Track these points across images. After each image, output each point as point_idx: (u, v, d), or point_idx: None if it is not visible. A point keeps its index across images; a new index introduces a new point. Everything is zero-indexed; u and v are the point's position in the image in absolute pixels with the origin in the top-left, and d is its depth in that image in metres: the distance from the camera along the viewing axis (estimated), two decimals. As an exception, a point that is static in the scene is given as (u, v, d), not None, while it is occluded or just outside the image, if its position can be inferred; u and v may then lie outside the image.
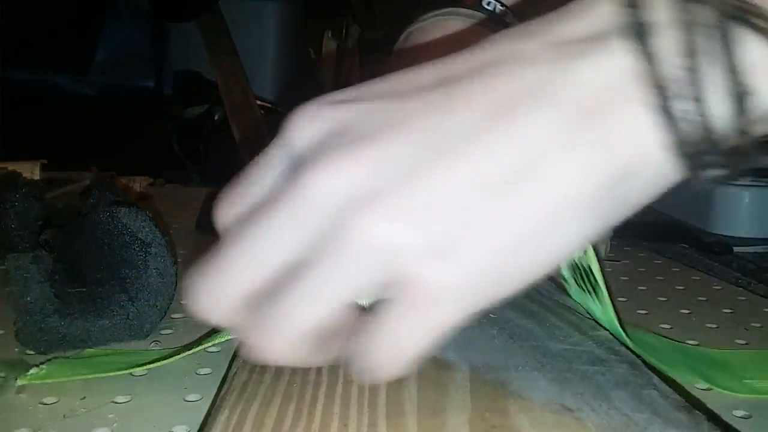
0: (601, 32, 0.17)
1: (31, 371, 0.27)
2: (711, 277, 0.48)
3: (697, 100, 0.16)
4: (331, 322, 0.19)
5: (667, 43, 0.16)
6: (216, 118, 1.42)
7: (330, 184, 0.18)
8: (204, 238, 0.56)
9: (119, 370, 0.27)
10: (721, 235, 0.59)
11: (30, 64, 1.22)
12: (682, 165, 0.17)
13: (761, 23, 0.16)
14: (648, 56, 0.16)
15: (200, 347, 0.28)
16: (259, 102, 1.40)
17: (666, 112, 0.16)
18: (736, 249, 0.55)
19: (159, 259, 0.33)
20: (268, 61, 1.56)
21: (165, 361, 0.28)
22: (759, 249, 0.56)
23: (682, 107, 0.16)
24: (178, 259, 0.45)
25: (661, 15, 0.16)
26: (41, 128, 1.20)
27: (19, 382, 0.26)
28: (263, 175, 0.21)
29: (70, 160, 0.77)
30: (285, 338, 0.18)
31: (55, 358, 0.29)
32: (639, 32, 0.16)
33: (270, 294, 0.18)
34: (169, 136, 1.45)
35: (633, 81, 0.16)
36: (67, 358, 0.29)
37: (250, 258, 0.19)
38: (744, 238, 0.58)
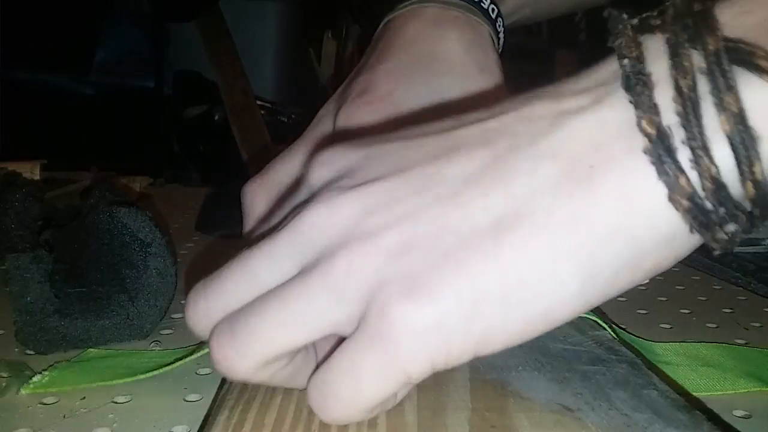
0: (600, 87, 0.17)
1: (35, 379, 0.27)
2: (711, 276, 0.48)
3: (697, 149, 0.15)
4: (300, 349, 0.19)
5: (666, 92, 0.15)
6: (216, 118, 1.42)
7: (324, 220, 0.18)
8: (204, 238, 0.56)
9: (122, 377, 0.27)
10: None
11: (30, 64, 1.22)
12: (693, 223, 0.16)
13: (762, 63, 0.15)
14: (646, 107, 0.15)
15: (204, 351, 0.28)
16: (259, 102, 1.40)
17: (665, 163, 0.15)
18: (736, 249, 0.55)
19: (159, 258, 0.33)
20: (268, 61, 1.56)
21: (168, 367, 0.27)
22: (759, 249, 0.56)
23: (682, 158, 0.15)
24: (178, 259, 0.45)
25: (659, 65, 0.16)
26: (41, 128, 1.20)
27: (23, 391, 0.26)
28: (283, 208, 0.23)
29: (70, 160, 0.77)
30: (250, 356, 0.19)
31: (57, 362, 0.29)
32: (636, 84, 0.16)
33: (247, 310, 0.19)
34: (169, 136, 1.45)
35: (632, 134, 0.16)
36: (69, 361, 0.29)
37: (243, 276, 0.20)
38: (744, 237, 0.58)
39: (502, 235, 0.17)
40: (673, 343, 0.33)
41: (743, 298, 0.43)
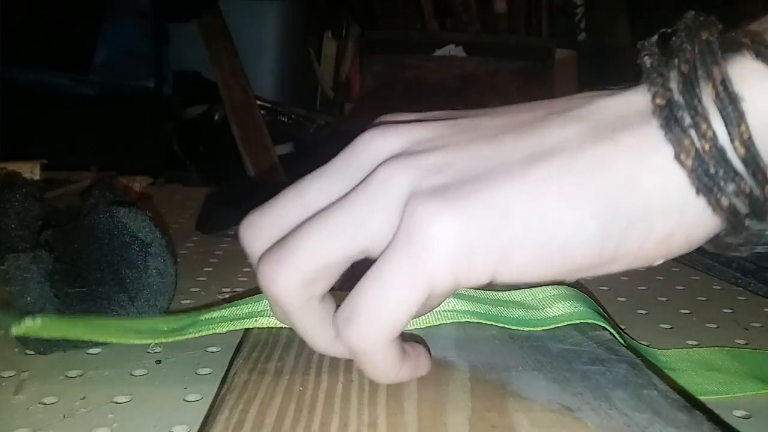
0: (632, 84, 0.20)
1: (26, 322, 0.27)
2: (711, 277, 0.48)
3: (696, 116, 0.17)
4: (340, 266, 0.21)
5: (674, 78, 0.18)
6: (216, 118, 1.42)
7: (376, 144, 0.21)
8: (204, 238, 0.56)
9: (113, 335, 0.27)
10: (721, 235, 0.59)
11: (30, 64, 1.22)
12: (697, 183, 0.17)
13: (743, 41, 0.17)
14: (659, 88, 0.18)
15: (196, 333, 0.28)
16: (259, 102, 1.40)
17: (672, 128, 0.18)
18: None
19: (159, 258, 0.33)
20: (268, 61, 1.56)
21: (161, 340, 0.28)
22: (759, 249, 0.56)
23: (686, 125, 0.17)
24: (178, 259, 0.45)
25: (671, 61, 0.18)
26: (41, 128, 1.20)
27: (14, 332, 0.26)
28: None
29: (70, 160, 0.77)
30: (294, 267, 0.21)
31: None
32: (654, 74, 0.19)
33: (296, 229, 0.21)
34: (169, 136, 1.45)
35: (649, 111, 0.18)
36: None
37: (295, 199, 0.22)
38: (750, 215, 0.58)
39: (531, 165, 0.19)
40: (677, 350, 0.32)
41: (743, 298, 0.43)
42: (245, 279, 0.44)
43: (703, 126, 0.17)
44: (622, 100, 0.19)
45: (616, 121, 0.19)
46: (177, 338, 0.28)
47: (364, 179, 0.21)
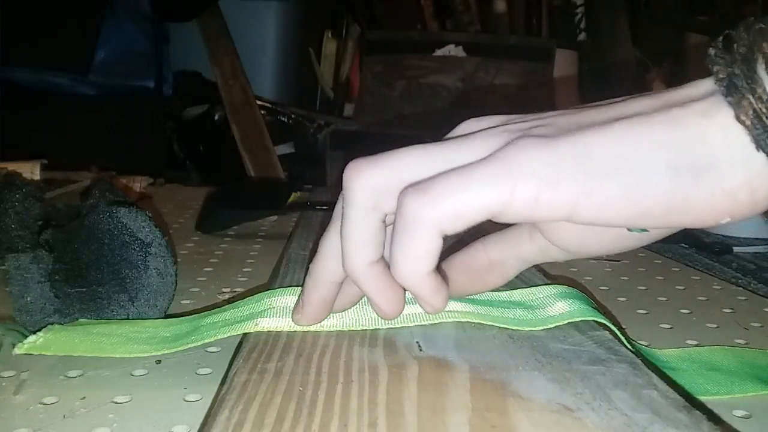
0: (703, 78, 0.22)
1: (29, 339, 0.27)
2: (711, 276, 0.48)
3: (752, 83, 0.20)
4: (475, 218, 0.22)
5: (734, 60, 0.21)
6: (216, 118, 1.42)
7: (474, 125, 0.25)
8: (204, 238, 0.56)
9: (117, 349, 0.27)
10: (721, 235, 0.59)
11: (30, 64, 1.22)
12: (757, 140, 0.19)
13: None
14: (722, 66, 0.21)
15: (199, 342, 0.28)
16: (259, 102, 1.40)
17: (732, 93, 0.20)
18: (736, 249, 0.55)
19: (159, 259, 0.33)
20: (268, 61, 1.56)
21: (164, 352, 0.27)
22: (759, 249, 0.56)
23: (744, 90, 0.20)
24: (178, 259, 0.45)
25: (733, 45, 0.21)
26: (41, 128, 1.20)
27: (17, 351, 0.26)
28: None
29: (70, 160, 0.77)
30: (443, 205, 0.22)
31: (51, 324, 0.29)
32: (717, 56, 0.21)
33: (436, 177, 0.23)
34: (169, 136, 1.45)
35: (714, 88, 0.21)
36: (62, 324, 0.29)
37: (427, 155, 0.24)
38: (744, 238, 0.59)
39: (611, 123, 0.22)
40: (677, 350, 0.32)
41: (743, 298, 0.43)
42: (245, 279, 0.44)
43: (759, 90, 0.19)
44: (691, 87, 0.22)
45: (686, 98, 0.21)
46: (179, 349, 0.28)
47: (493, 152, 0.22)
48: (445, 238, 0.23)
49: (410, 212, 0.22)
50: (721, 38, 0.22)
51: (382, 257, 0.25)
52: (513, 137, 0.23)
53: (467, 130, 0.26)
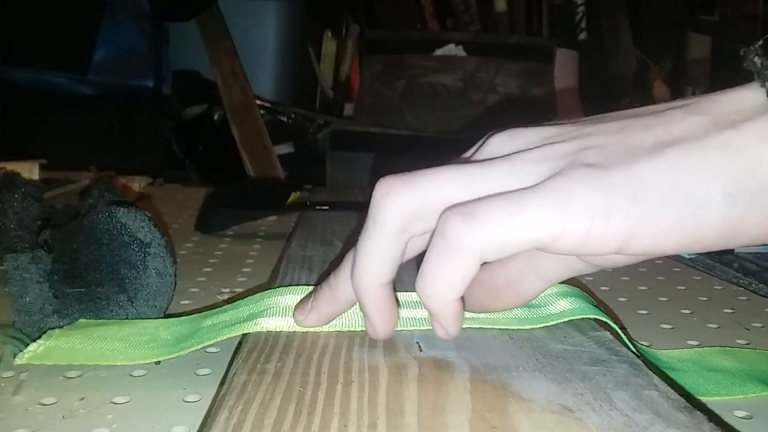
0: (747, 84, 0.22)
1: (30, 347, 0.27)
2: (712, 277, 0.48)
3: None
4: (518, 247, 0.21)
5: None
6: (215, 118, 1.42)
7: (505, 145, 0.24)
8: (203, 238, 0.56)
9: (118, 356, 0.27)
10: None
11: (29, 64, 1.22)
12: None
13: None
14: (766, 78, 0.21)
15: (198, 346, 0.28)
16: (259, 102, 1.40)
17: None
18: (737, 249, 0.55)
19: (158, 259, 0.33)
20: (268, 61, 1.56)
21: (165, 357, 0.27)
22: (760, 249, 0.56)
23: None
24: (178, 259, 0.45)
25: None
26: (40, 128, 1.20)
27: (17, 361, 0.26)
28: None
29: (70, 160, 0.77)
30: (485, 233, 0.21)
31: (51, 329, 0.29)
32: (763, 70, 0.21)
33: (480, 201, 0.22)
34: (168, 136, 1.45)
35: (763, 103, 0.21)
36: (62, 328, 0.29)
37: (468, 178, 0.23)
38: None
39: (662, 149, 0.21)
40: (678, 350, 0.32)
41: (744, 298, 0.43)
42: (245, 279, 0.44)
43: None
44: (736, 96, 0.21)
45: (735, 113, 0.21)
46: (180, 354, 0.28)
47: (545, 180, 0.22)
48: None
49: (453, 236, 0.21)
50: (760, 42, 0.21)
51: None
52: (561, 164, 0.22)
53: (499, 146, 0.24)
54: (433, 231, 0.23)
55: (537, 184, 0.21)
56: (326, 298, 0.27)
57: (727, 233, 0.20)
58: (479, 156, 0.25)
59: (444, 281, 0.22)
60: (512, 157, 0.23)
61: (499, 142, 0.24)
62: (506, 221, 0.21)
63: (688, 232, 0.20)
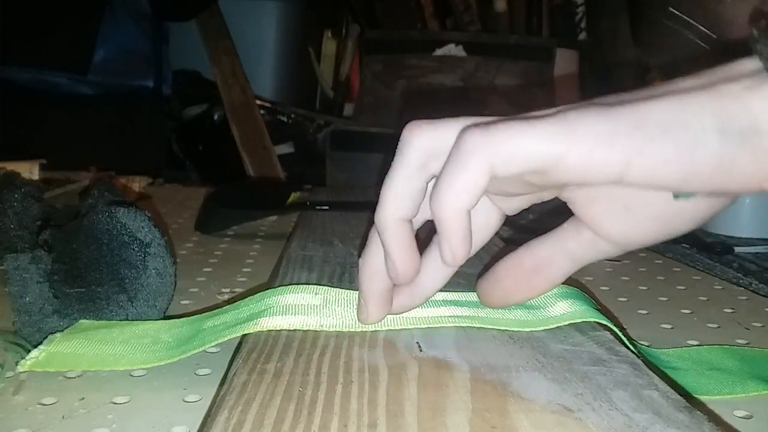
0: (745, 59, 0.23)
1: (32, 354, 0.27)
2: (712, 277, 0.48)
3: None
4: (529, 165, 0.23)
5: None
6: (215, 118, 1.42)
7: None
8: (204, 238, 0.56)
9: (119, 361, 0.27)
10: (722, 235, 0.59)
11: (29, 64, 1.22)
12: None
13: None
14: (764, 44, 0.22)
15: (199, 348, 0.28)
16: (259, 102, 1.40)
17: None
18: (737, 249, 0.55)
19: (158, 259, 0.33)
20: (268, 61, 1.56)
21: (167, 361, 0.27)
22: (760, 249, 0.56)
23: None
24: (178, 259, 0.45)
25: None
26: (40, 128, 1.20)
27: (20, 368, 0.26)
28: None
29: (69, 159, 0.77)
30: (503, 148, 0.23)
31: (52, 333, 0.29)
32: (762, 37, 0.22)
33: (498, 123, 0.24)
34: (168, 136, 1.45)
35: (758, 65, 0.22)
36: (63, 332, 0.29)
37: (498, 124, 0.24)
38: (745, 238, 0.58)
39: (661, 95, 0.23)
40: (678, 350, 0.32)
41: (744, 298, 0.43)
42: (245, 279, 0.44)
43: None
44: (735, 65, 0.23)
45: (729, 75, 0.22)
46: (181, 357, 0.28)
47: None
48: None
49: (466, 144, 0.23)
50: (764, 21, 0.23)
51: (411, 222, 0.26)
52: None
53: None
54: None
55: (548, 114, 0.23)
56: (366, 282, 0.27)
57: (722, 170, 0.22)
58: None
59: (456, 188, 0.23)
60: (528, 117, 0.25)
61: None
62: (516, 135, 0.23)
63: (685, 164, 0.22)
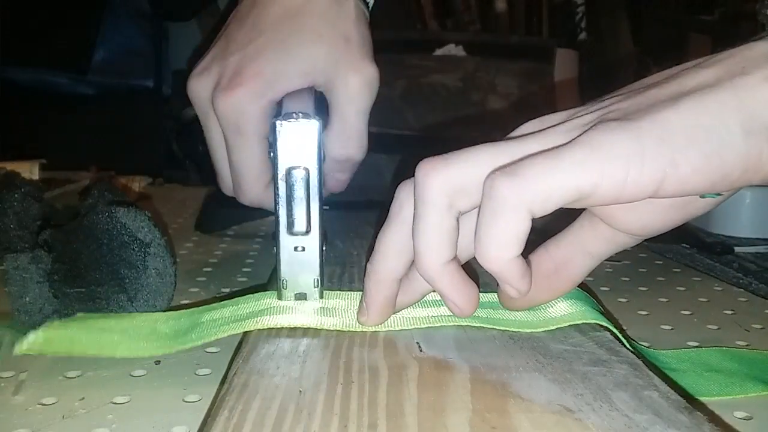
0: (755, 39, 0.23)
1: (29, 338, 0.27)
2: (712, 277, 0.48)
3: None
4: (562, 200, 0.22)
5: None
6: (215, 117, 1.41)
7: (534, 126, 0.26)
8: (204, 238, 0.56)
9: (117, 347, 0.27)
10: (722, 235, 0.59)
11: (29, 64, 1.22)
12: None
13: None
14: None
15: (198, 341, 0.28)
16: (258, 102, 1.39)
17: None
18: (737, 249, 0.55)
19: (158, 259, 0.33)
20: (267, 60, 1.56)
21: (165, 351, 0.27)
22: (760, 249, 0.56)
23: None
24: (178, 259, 0.45)
25: None
26: (40, 128, 1.20)
27: (17, 351, 0.26)
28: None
29: (69, 159, 0.77)
30: (531, 189, 0.22)
31: (49, 319, 0.29)
32: None
33: (521, 161, 0.23)
34: (168, 136, 1.44)
35: None
36: (60, 320, 0.29)
37: (504, 150, 0.24)
38: (745, 238, 0.58)
39: (679, 98, 0.22)
40: (678, 351, 0.32)
41: (744, 299, 0.43)
42: (245, 279, 0.44)
43: None
44: (746, 50, 0.23)
45: (746, 62, 0.22)
46: (180, 348, 0.28)
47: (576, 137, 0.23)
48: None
49: (499, 194, 0.22)
50: None
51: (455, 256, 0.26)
52: (589, 126, 0.23)
53: (531, 129, 0.26)
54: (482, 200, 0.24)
55: (570, 141, 0.23)
56: (372, 286, 0.27)
57: (751, 168, 0.22)
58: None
59: (499, 241, 0.23)
60: (544, 131, 0.25)
61: (530, 127, 0.26)
62: (547, 173, 0.22)
63: (715, 169, 0.21)
